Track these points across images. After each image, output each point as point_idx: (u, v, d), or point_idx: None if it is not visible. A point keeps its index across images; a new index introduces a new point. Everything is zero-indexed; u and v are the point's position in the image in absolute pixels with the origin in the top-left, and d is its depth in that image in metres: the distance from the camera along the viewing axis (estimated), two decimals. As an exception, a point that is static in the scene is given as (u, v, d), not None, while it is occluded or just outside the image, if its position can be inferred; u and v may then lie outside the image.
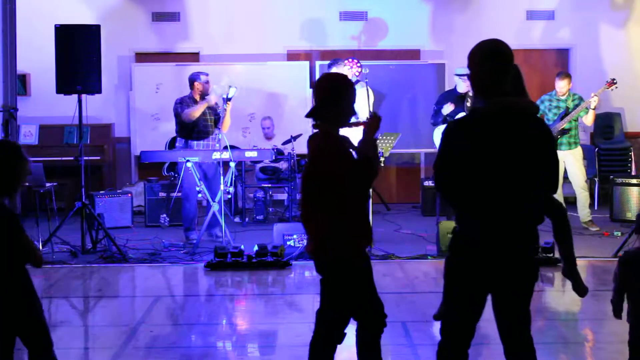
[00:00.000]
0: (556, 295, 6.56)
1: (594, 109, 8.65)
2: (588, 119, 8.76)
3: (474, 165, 3.16)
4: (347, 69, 8.66)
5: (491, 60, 3.22)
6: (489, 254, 3.19)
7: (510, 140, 3.17)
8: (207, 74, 8.47)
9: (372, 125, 3.62)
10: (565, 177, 8.90)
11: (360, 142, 3.61)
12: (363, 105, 8.19)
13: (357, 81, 8.50)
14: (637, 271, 3.80)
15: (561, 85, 8.74)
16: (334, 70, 8.18)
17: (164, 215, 9.31)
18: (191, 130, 8.24)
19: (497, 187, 3.15)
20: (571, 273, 3.46)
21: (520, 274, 3.24)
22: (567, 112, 8.67)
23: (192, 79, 8.40)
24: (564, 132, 8.69)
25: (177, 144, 8.62)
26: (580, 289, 3.50)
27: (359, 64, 8.98)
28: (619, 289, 3.87)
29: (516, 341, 3.31)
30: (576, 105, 8.69)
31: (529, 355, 3.32)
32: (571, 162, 8.79)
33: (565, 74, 8.86)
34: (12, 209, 3.70)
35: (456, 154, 3.19)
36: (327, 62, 10.56)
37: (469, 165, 3.17)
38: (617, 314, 3.90)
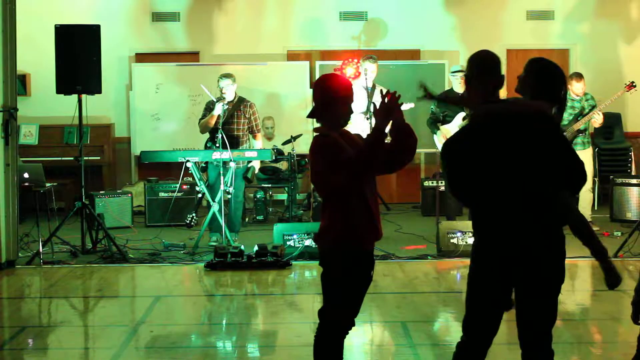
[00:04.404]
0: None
1: (599, 125, 8.72)
2: (596, 124, 8.78)
3: (481, 174, 3.21)
4: (352, 67, 8.66)
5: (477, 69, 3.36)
6: (512, 259, 3.20)
7: (507, 142, 3.19)
8: (227, 78, 8.19)
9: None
10: None
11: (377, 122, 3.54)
12: (362, 104, 8.17)
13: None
14: None
15: (578, 87, 8.71)
16: (367, 64, 8.18)
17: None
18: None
19: (508, 191, 3.18)
20: (603, 266, 3.49)
21: (545, 275, 3.24)
22: (582, 113, 8.68)
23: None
24: (580, 132, 8.70)
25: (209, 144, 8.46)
26: (610, 282, 3.51)
27: (358, 63, 8.97)
28: None
29: (535, 344, 3.31)
30: (591, 106, 8.70)
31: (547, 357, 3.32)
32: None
33: (581, 75, 8.83)
34: None
35: (462, 166, 3.26)
36: (327, 62, 10.66)
37: (476, 175, 3.22)
38: (636, 316, 3.82)
